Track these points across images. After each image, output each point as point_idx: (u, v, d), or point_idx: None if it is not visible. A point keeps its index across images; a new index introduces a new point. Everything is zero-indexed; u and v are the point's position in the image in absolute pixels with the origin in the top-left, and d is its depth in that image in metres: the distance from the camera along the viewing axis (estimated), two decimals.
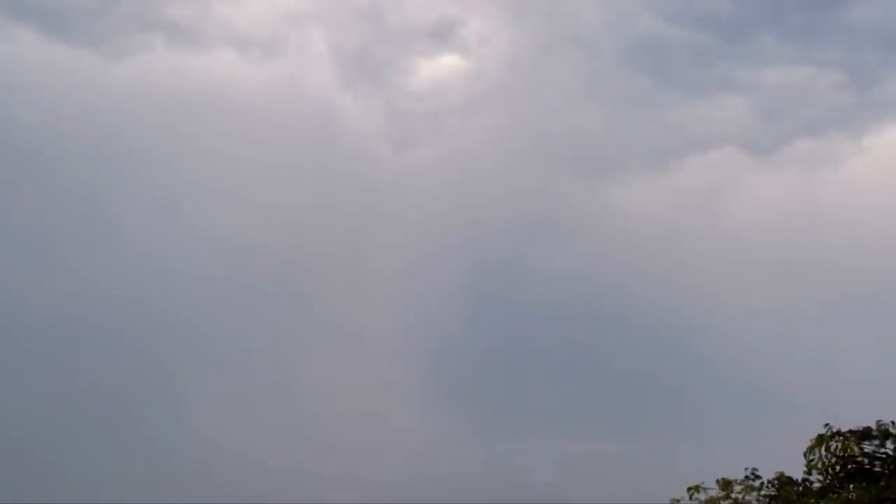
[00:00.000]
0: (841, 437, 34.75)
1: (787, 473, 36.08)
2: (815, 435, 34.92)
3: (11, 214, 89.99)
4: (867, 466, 34.27)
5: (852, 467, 34.16)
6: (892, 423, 34.89)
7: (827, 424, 35.20)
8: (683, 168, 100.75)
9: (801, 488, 35.19)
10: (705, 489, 36.46)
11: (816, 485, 34.64)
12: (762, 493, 35.79)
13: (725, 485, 36.32)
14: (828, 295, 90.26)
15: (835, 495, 33.55)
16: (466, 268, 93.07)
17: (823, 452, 34.48)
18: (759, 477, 36.45)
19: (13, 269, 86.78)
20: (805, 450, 33.97)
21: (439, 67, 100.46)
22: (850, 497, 33.60)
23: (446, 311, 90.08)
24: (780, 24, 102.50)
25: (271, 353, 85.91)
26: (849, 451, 34.37)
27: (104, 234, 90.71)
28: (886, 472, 33.66)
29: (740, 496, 36.14)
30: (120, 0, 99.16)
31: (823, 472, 34.57)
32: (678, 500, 36.81)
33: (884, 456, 34.36)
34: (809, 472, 34.94)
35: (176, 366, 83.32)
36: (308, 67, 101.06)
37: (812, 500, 34.01)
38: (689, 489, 36.32)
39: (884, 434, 34.73)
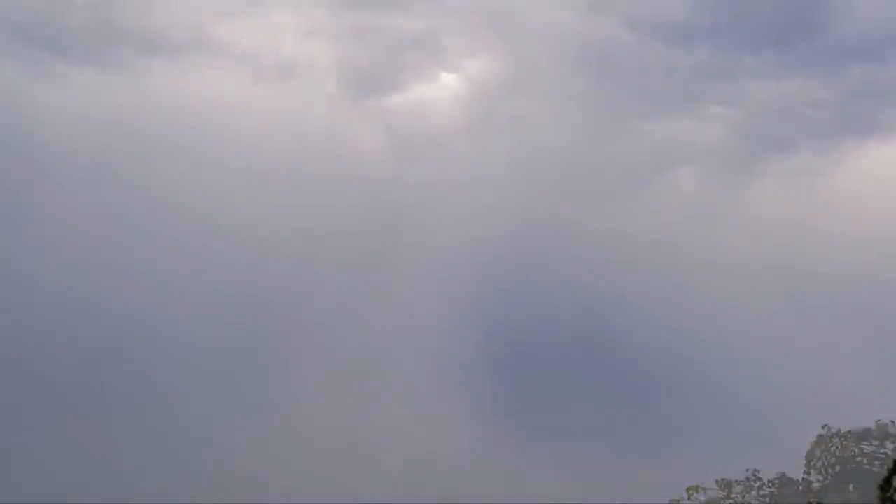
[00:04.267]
0: (840, 438, 34.84)
1: (788, 474, 36.15)
2: (815, 436, 34.98)
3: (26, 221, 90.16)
4: (867, 466, 34.34)
5: (852, 467, 34.24)
6: (892, 422, 35.01)
7: (825, 426, 35.28)
8: (671, 182, 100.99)
9: (800, 488, 35.30)
10: (705, 489, 36.53)
11: (816, 485, 34.73)
12: (762, 493, 35.90)
13: (726, 485, 36.36)
14: (822, 299, 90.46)
15: (835, 495, 33.63)
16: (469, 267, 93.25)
17: (823, 453, 34.59)
18: (759, 479, 36.49)
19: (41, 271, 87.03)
20: (807, 451, 34.03)
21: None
22: (849, 497, 33.69)
23: (451, 314, 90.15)
24: (763, 41, 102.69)
25: (280, 367, 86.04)
26: (849, 451, 34.48)
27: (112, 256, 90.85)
28: (886, 472, 33.65)
29: (740, 496, 36.21)
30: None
31: (823, 472, 34.68)
32: (678, 502, 36.84)
33: (884, 456, 34.43)
34: (809, 473, 35.06)
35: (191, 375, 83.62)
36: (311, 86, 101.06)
37: (812, 500, 34.09)
38: (688, 490, 36.38)
39: (883, 434, 34.84)
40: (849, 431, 35.09)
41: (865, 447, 34.96)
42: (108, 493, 73.48)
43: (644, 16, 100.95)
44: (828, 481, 34.78)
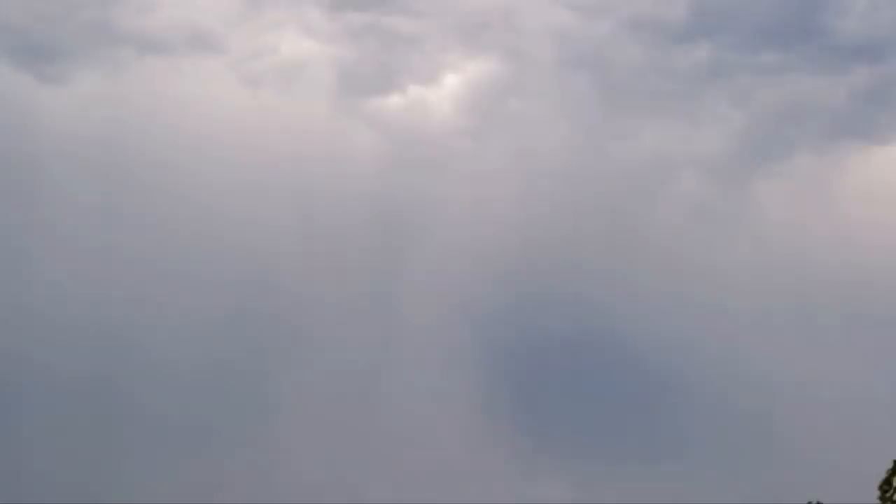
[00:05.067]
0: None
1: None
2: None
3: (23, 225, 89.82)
4: None
5: None
6: None
7: None
8: (669, 188, 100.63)
9: None
10: None
11: None
12: None
13: None
14: (823, 314, 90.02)
15: None
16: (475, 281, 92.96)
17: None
18: None
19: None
20: (881, 482, 31.67)
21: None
22: None
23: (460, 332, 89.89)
24: (765, 42, 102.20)
25: (283, 372, 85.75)
26: None
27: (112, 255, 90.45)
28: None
29: None
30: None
31: None
32: None
33: None
34: None
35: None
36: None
37: None
38: None
39: None
40: None
41: None
42: (110, 492, 73.35)
43: (644, 16, 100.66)
44: None
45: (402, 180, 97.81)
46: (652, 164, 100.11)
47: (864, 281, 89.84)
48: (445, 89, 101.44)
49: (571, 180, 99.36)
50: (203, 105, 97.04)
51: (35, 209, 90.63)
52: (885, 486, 30.08)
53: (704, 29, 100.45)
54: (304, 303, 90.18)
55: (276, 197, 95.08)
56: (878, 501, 30.20)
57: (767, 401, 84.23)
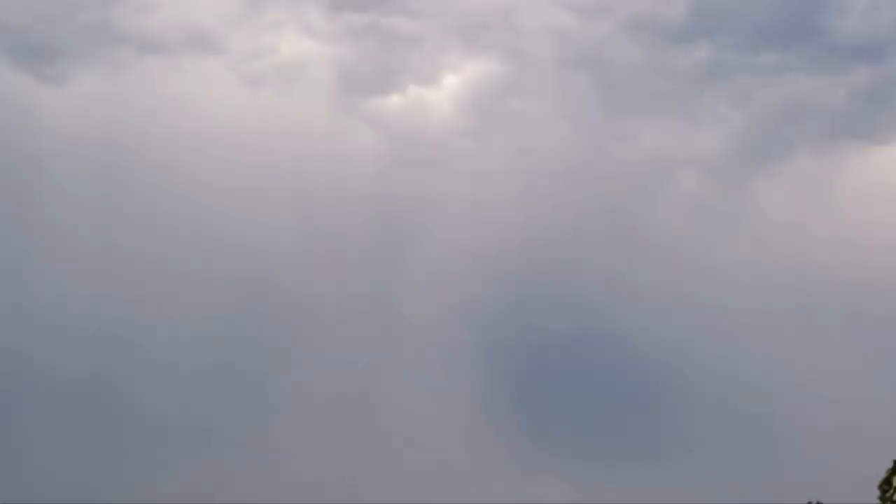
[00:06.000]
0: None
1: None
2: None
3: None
4: None
5: None
6: None
7: None
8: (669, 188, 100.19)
9: None
10: None
11: None
12: None
13: None
14: (823, 314, 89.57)
15: None
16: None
17: None
18: None
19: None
20: (881, 482, 31.62)
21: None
22: None
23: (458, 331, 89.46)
24: (765, 42, 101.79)
25: (284, 371, 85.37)
26: None
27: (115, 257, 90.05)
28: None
29: None
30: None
31: None
32: None
33: None
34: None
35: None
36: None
37: None
38: None
39: None
40: None
41: None
42: (110, 492, 72.98)
43: (644, 16, 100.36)
44: None
45: (402, 180, 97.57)
46: (652, 164, 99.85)
47: (864, 281, 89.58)
48: (445, 89, 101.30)
49: (571, 180, 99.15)
50: (203, 105, 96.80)
51: (35, 209, 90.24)
52: (885, 486, 29.99)
53: (704, 29, 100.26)
54: (304, 303, 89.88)
55: (276, 197, 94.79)
56: (878, 501, 30.08)
57: (767, 401, 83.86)
